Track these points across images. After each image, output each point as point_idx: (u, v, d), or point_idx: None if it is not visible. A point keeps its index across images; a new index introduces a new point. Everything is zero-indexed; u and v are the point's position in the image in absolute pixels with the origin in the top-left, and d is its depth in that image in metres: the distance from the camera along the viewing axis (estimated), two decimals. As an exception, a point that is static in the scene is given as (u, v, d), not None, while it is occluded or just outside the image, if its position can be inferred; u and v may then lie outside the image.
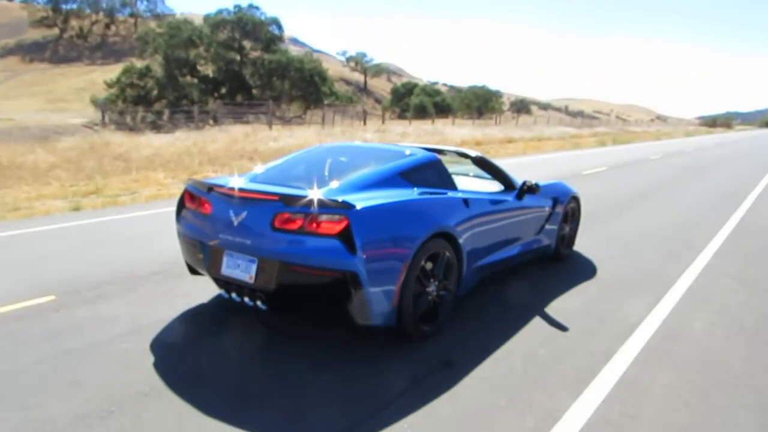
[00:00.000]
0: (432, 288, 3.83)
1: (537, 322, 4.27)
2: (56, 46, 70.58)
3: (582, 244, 6.53)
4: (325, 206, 3.34)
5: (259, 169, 4.42)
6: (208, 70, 48.90)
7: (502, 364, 3.54)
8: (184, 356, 3.56)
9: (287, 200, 3.42)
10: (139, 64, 46.04)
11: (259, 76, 48.56)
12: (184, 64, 46.29)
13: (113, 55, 67.77)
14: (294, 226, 3.39)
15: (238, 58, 49.19)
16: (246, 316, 4.21)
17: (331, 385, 3.24)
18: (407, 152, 4.46)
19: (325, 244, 3.30)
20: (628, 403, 3.13)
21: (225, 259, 3.62)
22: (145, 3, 79.11)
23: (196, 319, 4.17)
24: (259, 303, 3.59)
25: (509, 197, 5.01)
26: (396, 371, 3.42)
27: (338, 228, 3.30)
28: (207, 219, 3.77)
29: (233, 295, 3.72)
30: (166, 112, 39.37)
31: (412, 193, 3.91)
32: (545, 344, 3.86)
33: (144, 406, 2.96)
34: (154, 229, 7.35)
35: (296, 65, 46.90)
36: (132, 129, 28.99)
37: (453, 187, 4.41)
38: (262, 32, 49.03)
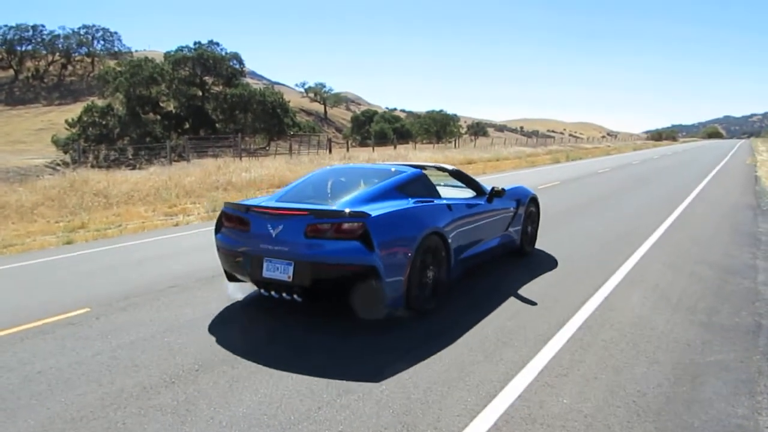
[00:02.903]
0: (429, 276, 4.82)
1: (506, 303, 5.18)
2: (12, 88, 69.80)
3: (540, 245, 7.53)
4: (346, 216, 4.34)
5: (275, 192, 5.38)
6: (171, 106, 49.36)
7: (479, 333, 4.43)
8: (220, 342, 4.31)
9: (316, 213, 4.39)
10: (100, 102, 46.14)
11: (222, 110, 49.32)
12: (146, 101, 46.69)
13: (70, 95, 67.45)
14: (323, 234, 4.33)
15: (200, 93, 49.92)
16: (265, 311, 5.01)
17: (349, 352, 4.06)
18: (392, 170, 5.56)
19: (349, 246, 4.26)
20: (576, 353, 4.05)
21: (265, 265, 4.50)
22: (101, 42, 79.03)
23: (220, 317, 4.92)
24: (295, 296, 4.48)
25: (481, 201, 6.08)
26: (398, 341, 4.29)
27: (359, 232, 4.25)
28: (247, 234, 4.65)
29: (272, 292, 4.61)
30: (130, 149, 39.51)
31: (408, 203, 4.91)
32: (512, 318, 4.78)
33: (198, 377, 3.72)
34: (153, 254, 8.01)
35: (258, 98, 47.85)
36: (96, 167, 29.14)
37: (438, 195, 5.48)
38: (222, 67, 49.94)
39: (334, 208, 4.57)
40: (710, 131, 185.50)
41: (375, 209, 4.50)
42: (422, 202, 5.05)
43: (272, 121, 48.76)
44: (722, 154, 42.99)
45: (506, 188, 6.45)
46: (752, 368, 3.82)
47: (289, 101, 54.66)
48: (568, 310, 4.95)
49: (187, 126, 48.60)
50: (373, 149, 35.16)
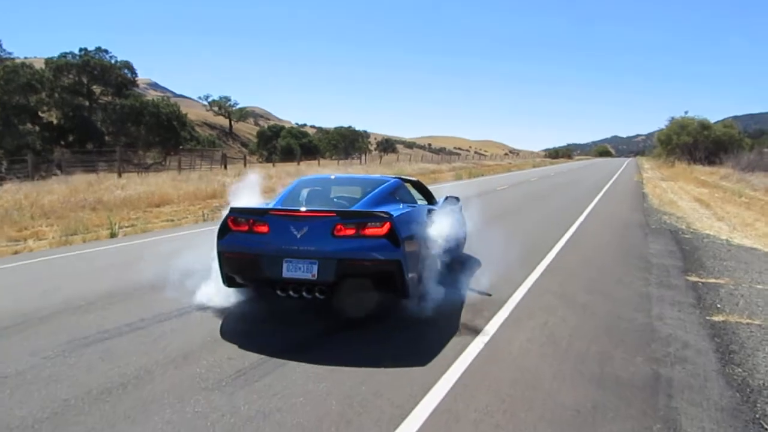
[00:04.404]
0: (424, 267, 5.18)
1: (366, 354, 4.19)
2: None
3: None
4: (372, 216, 4.68)
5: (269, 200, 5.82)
6: (53, 116, 45.08)
7: (322, 405, 3.39)
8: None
9: (342, 215, 4.69)
10: (-33, 111, 41.25)
11: (111, 122, 45.66)
12: (23, 110, 42.27)
13: (-64, 102, 60.10)
14: (350, 233, 4.59)
15: (86, 103, 45.99)
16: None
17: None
18: (379, 179, 6.16)
19: (377, 243, 4.56)
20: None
21: (285, 266, 4.61)
22: (-25, 45, 71.67)
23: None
24: (317, 294, 4.66)
25: (436, 207, 6.58)
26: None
27: (385, 230, 4.58)
28: (265, 236, 4.73)
29: (290, 292, 4.71)
30: (4, 163, 35.49)
31: (404, 206, 5.47)
32: (366, 381, 3.78)
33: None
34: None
35: (151, 110, 44.75)
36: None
37: (415, 200, 6.21)
38: (112, 76, 46.29)
39: (359, 209, 5.00)
40: (601, 150, 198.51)
41: (391, 210, 4.86)
42: (411, 205, 5.70)
43: (167, 135, 45.72)
44: (612, 171, 45.37)
45: (445, 196, 7.29)
46: (652, 443, 3.06)
47: (186, 114, 51.84)
48: (438, 367, 4.03)
49: (71, 138, 44.47)
50: (274, 165, 33.72)
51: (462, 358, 4.14)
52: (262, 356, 4.10)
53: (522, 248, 8.19)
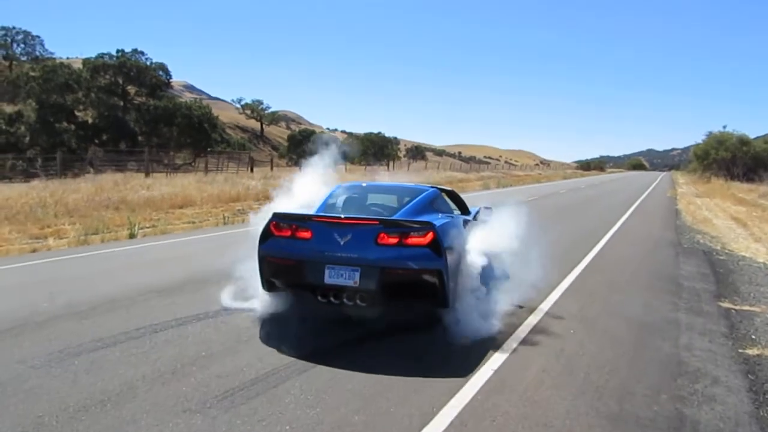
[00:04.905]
0: (462, 277, 5.09)
1: (364, 380, 3.93)
2: None
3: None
4: (415, 226, 4.69)
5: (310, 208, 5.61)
6: (88, 116, 46.05)
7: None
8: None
9: (386, 223, 4.73)
10: (8, 109, 42.50)
11: (145, 122, 46.37)
12: (60, 109, 43.28)
13: (-18, 99, 62.22)
14: (394, 241, 4.61)
15: (121, 103, 46.86)
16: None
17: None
18: (418, 188, 6.11)
19: (420, 252, 4.57)
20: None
21: (327, 272, 4.62)
22: (21, 46, 73.95)
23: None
24: (358, 301, 4.62)
25: (470, 217, 6.49)
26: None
27: (428, 239, 4.58)
28: (309, 242, 4.74)
29: (331, 298, 4.67)
30: (39, 160, 36.36)
31: (443, 216, 5.42)
32: (361, 411, 3.51)
33: None
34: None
35: (184, 111, 45.35)
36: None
37: (452, 210, 6.15)
38: (147, 77, 47.07)
39: (402, 218, 4.97)
40: (635, 163, 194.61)
41: (433, 220, 4.84)
42: (449, 215, 5.68)
43: (198, 136, 46.23)
44: (645, 185, 44.25)
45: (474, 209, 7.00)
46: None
47: (218, 116, 52.44)
48: (441, 394, 3.74)
49: (105, 137, 45.31)
50: (300, 169, 33.59)
51: (466, 389, 3.84)
52: (254, 376, 3.87)
53: (541, 266, 7.80)
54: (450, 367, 4.24)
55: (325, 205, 5.60)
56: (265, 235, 4.95)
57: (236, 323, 5.10)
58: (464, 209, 6.70)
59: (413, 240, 4.61)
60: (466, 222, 6.00)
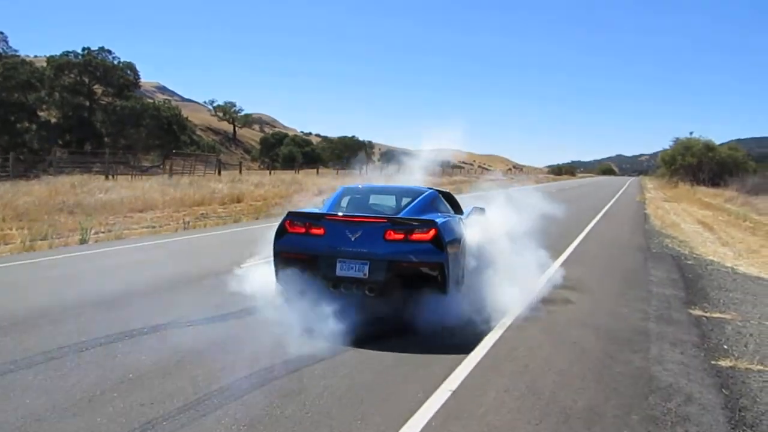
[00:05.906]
0: (460, 270, 5.58)
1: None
2: None
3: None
4: (420, 223, 5.15)
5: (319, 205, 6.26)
6: (52, 115, 44.56)
7: None
8: None
9: (393, 221, 5.19)
10: (-35, 107, 40.81)
11: (111, 123, 45.07)
12: (21, 108, 41.79)
13: (-63, 98, 59.71)
14: (400, 237, 5.05)
15: (87, 103, 45.48)
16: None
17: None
18: (418, 189, 6.49)
19: (423, 247, 5.03)
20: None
21: (338, 265, 5.04)
22: (-19, 43, 71.47)
23: None
24: (366, 291, 5.03)
25: (464, 216, 6.79)
26: None
27: (431, 235, 5.03)
28: (322, 238, 5.15)
29: (342, 288, 5.07)
30: (-1, 160, 35.02)
31: (442, 215, 5.81)
32: None
33: None
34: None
35: (152, 112, 44.24)
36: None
37: (449, 210, 6.46)
38: (114, 77, 45.73)
39: (407, 216, 5.42)
40: (604, 168, 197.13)
41: (434, 218, 5.28)
42: (448, 215, 6.05)
43: (167, 138, 45.17)
44: (615, 190, 44.69)
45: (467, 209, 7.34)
46: None
47: (187, 118, 51.38)
48: (392, 421, 3.37)
49: (69, 138, 43.87)
50: (270, 173, 33.18)
51: (419, 415, 3.48)
52: (182, 404, 3.44)
53: (508, 272, 7.51)
54: (413, 383, 3.87)
55: (333, 205, 6.00)
56: (280, 232, 5.37)
57: (175, 341, 4.63)
58: (458, 209, 6.98)
59: (418, 236, 5.05)
60: (460, 220, 6.33)
